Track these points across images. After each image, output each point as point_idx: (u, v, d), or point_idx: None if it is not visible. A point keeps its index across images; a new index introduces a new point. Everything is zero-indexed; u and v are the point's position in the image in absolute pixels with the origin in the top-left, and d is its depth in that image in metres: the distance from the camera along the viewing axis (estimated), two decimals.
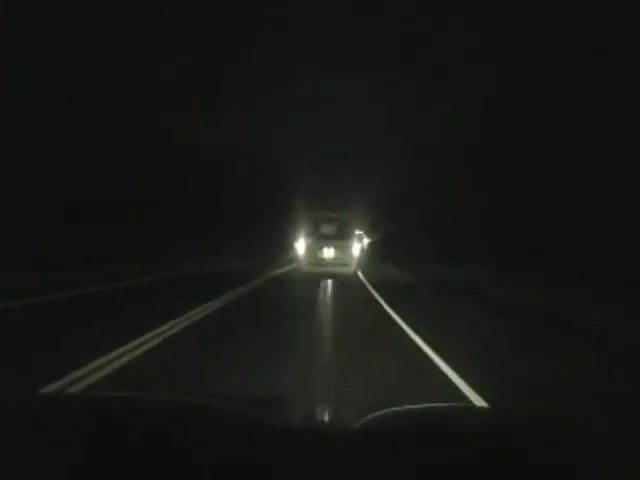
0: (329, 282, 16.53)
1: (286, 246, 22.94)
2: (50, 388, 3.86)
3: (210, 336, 6.67)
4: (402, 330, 7.57)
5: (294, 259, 18.46)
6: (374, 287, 14.77)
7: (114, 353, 5.23)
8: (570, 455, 1.12)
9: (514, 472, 1.03)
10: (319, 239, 16.96)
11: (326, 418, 1.57)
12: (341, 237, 17.03)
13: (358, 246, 17.72)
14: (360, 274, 18.57)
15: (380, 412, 1.43)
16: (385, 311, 9.58)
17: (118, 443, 1.09)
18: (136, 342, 5.81)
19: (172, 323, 7.11)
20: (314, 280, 16.26)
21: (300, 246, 17.18)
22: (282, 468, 0.98)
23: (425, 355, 5.91)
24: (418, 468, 1.02)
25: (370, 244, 37.29)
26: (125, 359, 5.11)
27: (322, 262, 16.64)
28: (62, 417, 1.28)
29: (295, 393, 4.00)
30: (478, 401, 4.09)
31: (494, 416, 1.70)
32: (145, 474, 0.95)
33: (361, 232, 16.64)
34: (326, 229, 17.23)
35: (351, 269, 16.76)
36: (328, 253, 16.81)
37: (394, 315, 8.91)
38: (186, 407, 1.45)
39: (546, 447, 1.15)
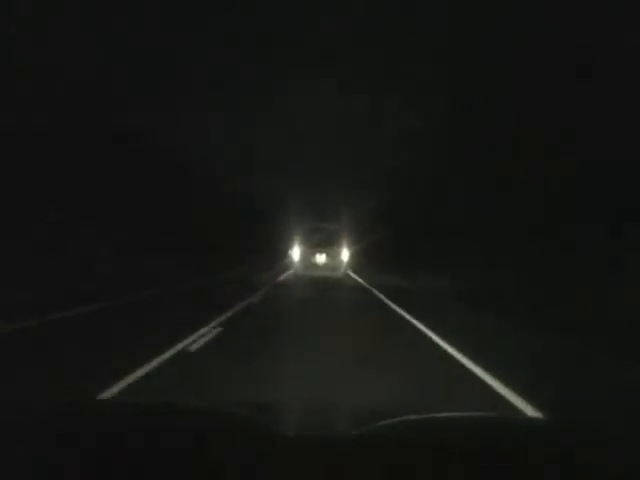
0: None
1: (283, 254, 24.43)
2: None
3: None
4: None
5: (290, 265, 20.22)
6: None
7: None
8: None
9: None
10: (312, 247, 18.83)
11: (334, 424, 1.58)
12: (331, 244, 18.98)
13: (347, 252, 19.39)
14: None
15: (395, 419, 1.39)
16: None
17: (136, 447, 1.12)
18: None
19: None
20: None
21: (295, 253, 19.08)
22: (286, 473, 0.99)
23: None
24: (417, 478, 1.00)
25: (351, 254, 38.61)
26: None
27: (315, 267, 18.58)
28: (110, 425, 1.33)
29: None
30: None
31: (521, 429, 1.59)
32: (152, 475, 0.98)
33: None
34: (318, 238, 19.09)
35: (341, 272, 18.85)
36: (320, 259, 18.75)
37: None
38: (189, 413, 1.50)
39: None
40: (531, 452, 1.14)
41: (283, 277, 19.38)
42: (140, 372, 4.61)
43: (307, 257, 18.73)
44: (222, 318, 8.02)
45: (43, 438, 1.17)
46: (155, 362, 4.98)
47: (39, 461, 1.05)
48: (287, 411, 1.72)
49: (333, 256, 18.83)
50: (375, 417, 1.39)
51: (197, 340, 6.20)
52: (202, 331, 6.77)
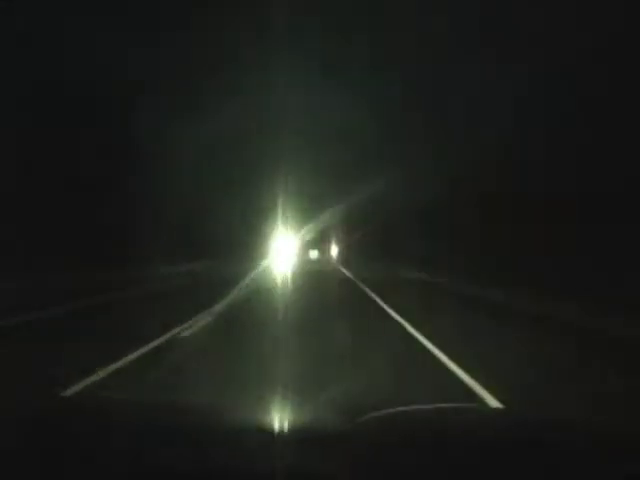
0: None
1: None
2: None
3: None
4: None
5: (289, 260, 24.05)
6: None
7: None
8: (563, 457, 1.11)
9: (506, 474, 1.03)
10: (307, 244, 22.58)
11: (322, 418, 1.58)
12: (323, 242, 22.78)
13: (336, 249, 23.01)
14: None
15: (381, 412, 1.41)
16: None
17: (114, 443, 1.13)
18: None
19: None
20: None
21: (291, 249, 22.76)
22: (277, 469, 1.00)
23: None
24: (407, 469, 1.02)
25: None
26: None
27: (309, 261, 22.26)
28: (73, 419, 1.35)
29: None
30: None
31: (496, 417, 1.68)
32: (147, 474, 0.98)
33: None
34: (311, 237, 22.75)
35: (331, 266, 22.47)
36: (312, 254, 22.46)
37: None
38: (185, 411, 1.51)
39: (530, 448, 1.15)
40: (489, 441, 1.19)
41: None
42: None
43: (302, 253, 22.48)
44: None
45: (8, 438, 1.17)
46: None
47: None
48: (279, 407, 1.75)
49: (324, 252, 22.72)
50: (364, 410, 1.39)
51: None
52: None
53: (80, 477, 0.98)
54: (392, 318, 7.82)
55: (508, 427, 1.38)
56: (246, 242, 35.54)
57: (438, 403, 1.92)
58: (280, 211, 34.69)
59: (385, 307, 9.11)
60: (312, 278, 17.12)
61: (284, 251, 22.71)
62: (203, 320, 7.12)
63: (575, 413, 2.97)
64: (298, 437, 1.22)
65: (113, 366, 4.45)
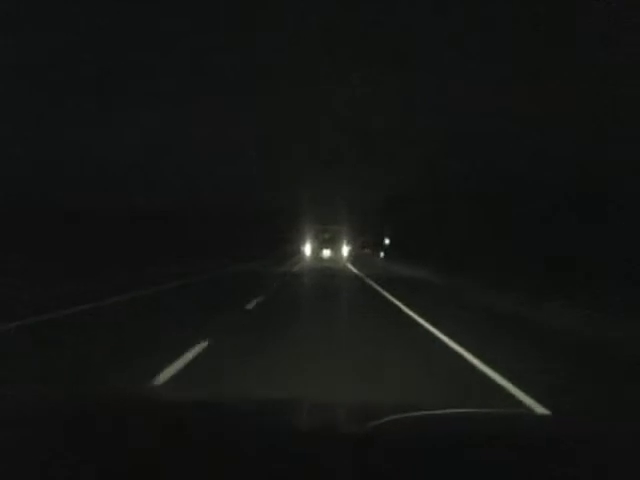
0: None
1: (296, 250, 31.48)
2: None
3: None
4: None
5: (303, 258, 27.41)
6: None
7: None
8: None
9: None
10: (319, 244, 25.34)
11: (340, 420, 1.58)
12: (334, 242, 25.52)
13: (346, 248, 26.01)
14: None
15: (398, 415, 1.38)
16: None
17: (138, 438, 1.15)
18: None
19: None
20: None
21: (307, 249, 25.77)
22: (295, 470, 1.00)
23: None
24: (422, 475, 1.00)
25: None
26: None
27: (322, 259, 25.30)
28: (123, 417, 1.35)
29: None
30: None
31: (515, 422, 1.56)
32: (161, 472, 0.98)
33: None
34: (324, 237, 25.64)
35: (341, 264, 25.52)
36: (326, 253, 25.27)
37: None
38: (206, 408, 1.50)
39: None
40: (536, 448, 1.16)
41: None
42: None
43: (316, 252, 25.49)
44: None
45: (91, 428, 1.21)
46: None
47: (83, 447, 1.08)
48: (295, 407, 1.70)
49: (336, 251, 25.62)
50: (382, 413, 1.38)
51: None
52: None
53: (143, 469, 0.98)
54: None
55: (532, 435, 1.34)
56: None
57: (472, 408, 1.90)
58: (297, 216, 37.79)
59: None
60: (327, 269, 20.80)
61: (304, 250, 26.10)
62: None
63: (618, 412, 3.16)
64: (316, 439, 1.19)
65: None
